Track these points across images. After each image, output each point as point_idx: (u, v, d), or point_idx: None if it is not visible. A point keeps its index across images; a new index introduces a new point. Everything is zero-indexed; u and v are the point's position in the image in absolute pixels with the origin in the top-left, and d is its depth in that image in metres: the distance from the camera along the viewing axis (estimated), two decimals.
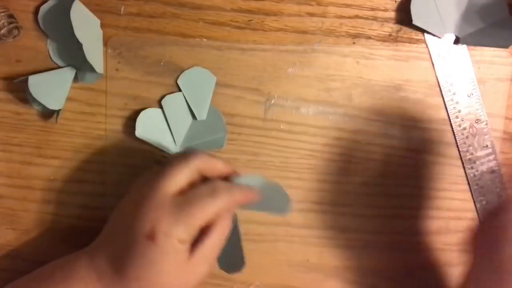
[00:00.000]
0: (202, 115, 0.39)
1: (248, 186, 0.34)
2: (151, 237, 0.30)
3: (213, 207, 0.31)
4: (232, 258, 0.37)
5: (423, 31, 0.38)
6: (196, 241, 0.32)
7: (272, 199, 0.35)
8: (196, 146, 0.39)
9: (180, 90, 0.39)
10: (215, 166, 0.33)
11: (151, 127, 0.39)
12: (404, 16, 0.38)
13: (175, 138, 0.39)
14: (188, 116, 0.39)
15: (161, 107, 0.39)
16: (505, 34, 0.36)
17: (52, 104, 0.38)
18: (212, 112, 0.39)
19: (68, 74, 0.39)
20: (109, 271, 0.32)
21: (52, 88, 0.38)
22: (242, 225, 0.38)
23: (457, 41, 0.38)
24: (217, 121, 0.39)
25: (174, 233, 0.30)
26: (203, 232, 0.32)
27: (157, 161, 0.35)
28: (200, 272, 0.32)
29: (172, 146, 0.39)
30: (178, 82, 0.39)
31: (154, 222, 0.30)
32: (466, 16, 0.38)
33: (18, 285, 0.35)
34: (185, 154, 0.33)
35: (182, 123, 0.39)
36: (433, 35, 0.38)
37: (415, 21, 0.37)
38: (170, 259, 0.31)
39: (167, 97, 0.39)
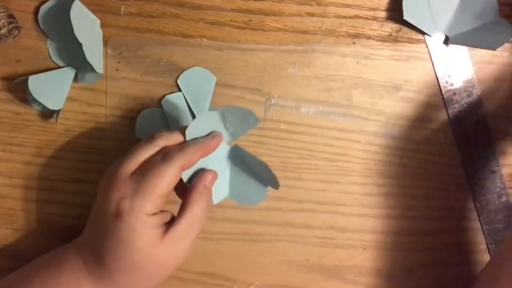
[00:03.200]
0: None
1: (204, 136, 0.34)
2: (118, 215, 0.31)
3: (168, 171, 0.31)
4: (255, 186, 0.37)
5: (423, 32, 0.38)
6: (173, 219, 0.33)
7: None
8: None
9: (180, 90, 0.39)
10: (175, 139, 0.34)
11: (151, 127, 0.39)
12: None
13: None
14: (188, 116, 0.39)
15: (161, 107, 0.39)
16: (495, 36, 0.36)
17: (52, 104, 0.38)
18: None
19: (68, 74, 0.39)
20: (92, 258, 0.32)
21: (52, 88, 0.38)
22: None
23: (446, 40, 0.38)
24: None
25: (137, 206, 0.30)
26: (180, 210, 0.33)
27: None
28: (178, 250, 0.32)
29: None
30: (178, 82, 0.39)
31: (117, 201, 0.31)
32: (457, 16, 0.38)
33: (12, 279, 0.35)
34: (149, 136, 0.33)
35: (182, 123, 0.39)
36: (424, 33, 0.38)
37: (406, 17, 0.37)
38: (139, 234, 0.31)
39: (167, 97, 0.39)
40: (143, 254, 0.31)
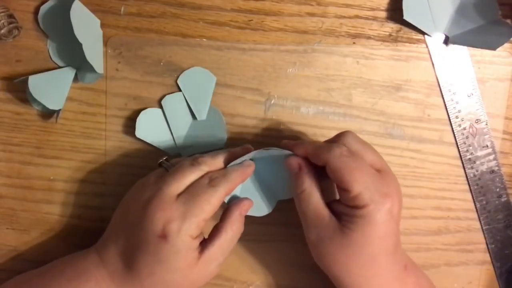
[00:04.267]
0: (202, 115, 0.39)
1: (242, 164, 0.35)
2: (163, 236, 0.31)
3: (215, 197, 0.33)
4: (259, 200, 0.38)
5: (423, 32, 0.38)
6: (206, 241, 0.34)
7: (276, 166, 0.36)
8: (196, 146, 0.39)
9: (180, 90, 0.39)
10: (217, 164, 0.35)
11: (151, 127, 0.39)
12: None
13: (175, 138, 0.39)
14: (188, 116, 0.39)
15: (161, 107, 0.39)
16: (495, 36, 0.36)
17: (52, 104, 0.38)
18: (212, 112, 0.39)
19: (68, 74, 0.39)
20: (120, 269, 0.33)
21: (52, 88, 0.38)
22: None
23: (446, 40, 0.38)
24: (217, 121, 0.39)
25: (184, 230, 0.31)
26: (213, 233, 0.34)
27: (161, 164, 0.35)
28: (209, 271, 0.34)
29: (172, 146, 0.39)
30: (178, 82, 0.39)
31: (164, 222, 0.31)
32: (458, 16, 0.38)
33: (27, 281, 0.35)
34: (193, 160, 0.34)
35: (182, 123, 0.39)
36: (424, 33, 0.38)
37: (406, 17, 0.37)
38: (182, 256, 0.32)
39: (167, 97, 0.39)
40: (179, 274, 0.32)
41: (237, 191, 0.37)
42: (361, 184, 0.30)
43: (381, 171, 0.32)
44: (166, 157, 0.36)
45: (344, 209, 0.32)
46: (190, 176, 0.33)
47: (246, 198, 0.36)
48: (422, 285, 0.34)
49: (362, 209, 0.30)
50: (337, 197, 0.34)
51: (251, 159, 0.36)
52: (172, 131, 0.39)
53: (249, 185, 0.37)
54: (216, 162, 0.35)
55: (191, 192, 0.33)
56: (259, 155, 0.35)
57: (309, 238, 0.33)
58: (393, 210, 0.31)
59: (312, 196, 0.33)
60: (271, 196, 0.38)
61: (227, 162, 0.35)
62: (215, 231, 0.34)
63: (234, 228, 0.34)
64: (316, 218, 0.32)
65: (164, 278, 0.32)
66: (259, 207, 0.38)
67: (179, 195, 0.33)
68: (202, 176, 0.34)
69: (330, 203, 0.33)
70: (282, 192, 0.38)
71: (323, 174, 0.33)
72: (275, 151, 0.35)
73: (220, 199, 0.33)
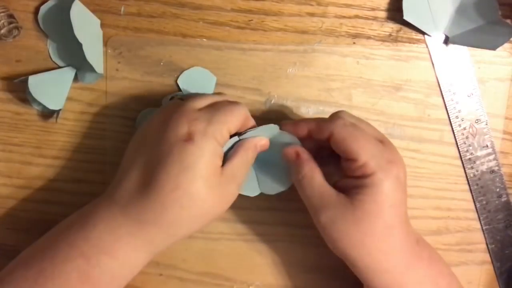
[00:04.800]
0: None
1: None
2: (189, 138, 0.30)
3: (239, 110, 0.32)
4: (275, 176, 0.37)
5: (423, 32, 0.38)
6: (226, 160, 0.33)
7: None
8: None
9: (180, 90, 0.39)
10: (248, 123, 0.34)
11: None
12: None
13: None
14: None
15: (161, 106, 0.39)
16: (495, 36, 0.36)
17: (52, 104, 0.38)
18: None
19: (68, 74, 0.39)
20: (136, 198, 0.31)
21: (52, 88, 0.38)
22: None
23: (446, 40, 0.38)
24: None
25: (211, 132, 0.30)
26: (231, 154, 0.33)
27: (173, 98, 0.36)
28: (230, 191, 0.32)
29: None
30: (178, 82, 0.39)
31: (189, 125, 0.30)
32: (458, 16, 0.38)
33: (36, 248, 0.33)
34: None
35: None
36: (424, 33, 0.38)
37: (406, 17, 0.37)
38: (208, 160, 0.30)
39: (167, 96, 0.39)
40: (206, 183, 0.30)
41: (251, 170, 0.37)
42: (367, 152, 0.30)
43: (382, 141, 0.32)
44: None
45: (351, 182, 0.31)
46: (211, 98, 0.34)
47: (263, 138, 0.35)
48: (434, 258, 0.34)
49: (370, 177, 0.30)
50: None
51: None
52: None
53: (262, 161, 0.36)
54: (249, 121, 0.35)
55: (214, 105, 0.33)
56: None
57: (320, 221, 0.32)
58: (400, 177, 0.31)
59: (314, 178, 0.32)
60: (285, 174, 0.37)
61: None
62: (233, 153, 0.33)
63: (249, 152, 0.33)
64: (323, 199, 0.32)
65: (189, 191, 0.30)
66: (273, 185, 0.37)
67: (203, 108, 0.32)
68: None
69: (334, 184, 0.33)
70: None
71: (321, 160, 0.33)
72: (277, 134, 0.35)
73: (242, 115, 0.33)
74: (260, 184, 0.37)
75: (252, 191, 0.37)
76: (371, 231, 0.30)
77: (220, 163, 0.32)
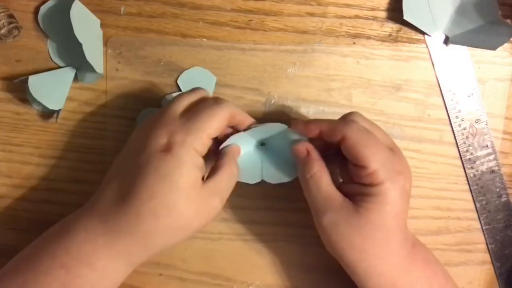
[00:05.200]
0: None
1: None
2: (168, 149, 0.30)
3: (221, 113, 0.32)
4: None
5: (423, 32, 0.38)
6: (210, 173, 0.33)
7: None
8: None
9: (180, 90, 0.39)
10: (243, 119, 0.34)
11: None
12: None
13: None
14: None
15: (161, 107, 0.39)
16: (495, 36, 0.36)
17: (52, 104, 0.38)
18: None
19: (68, 74, 0.39)
20: (114, 207, 0.30)
21: (52, 88, 0.38)
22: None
23: (446, 40, 0.38)
24: None
25: (189, 142, 0.30)
26: (214, 168, 0.33)
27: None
28: (212, 204, 0.32)
29: None
30: (178, 82, 0.39)
31: (169, 136, 0.30)
32: (458, 16, 0.38)
33: (21, 259, 0.34)
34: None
35: None
36: (424, 33, 0.38)
37: (406, 17, 0.37)
38: (186, 171, 0.30)
39: (167, 97, 0.39)
40: (183, 195, 0.30)
41: (256, 158, 0.37)
42: (377, 161, 0.30)
43: (392, 149, 0.32)
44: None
45: (358, 189, 0.31)
46: (193, 97, 0.33)
47: (235, 145, 0.35)
48: (429, 260, 0.34)
49: (378, 186, 0.30)
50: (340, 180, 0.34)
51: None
52: None
53: (269, 152, 0.37)
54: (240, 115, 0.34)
55: (195, 109, 0.32)
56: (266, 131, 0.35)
57: (321, 223, 0.32)
58: (406, 187, 0.31)
59: (322, 179, 0.32)
60: (291, 166, 0.36)
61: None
62: (216, 167, 0.33)
63: (233, 166, 0.33)
64: (328, 201, 0.32)
65: (165, 201, 0.29)
66: (277, 175, 0.37)
67: (183, 113, 0.32)
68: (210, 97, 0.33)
69: (339, 186, 0.33)
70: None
71: (326, 159, 0.33)
72: (281, 130, 0.35)
73: (225, 118, 0.32)
74: (264, 171, 0.37)
75: (253, 178, 0.37)
76: (372, 237, 0.31)
77: (201, 174, 0.31)
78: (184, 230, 0.31)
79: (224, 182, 0.32)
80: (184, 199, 0.30)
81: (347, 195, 0.32)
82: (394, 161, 0.31)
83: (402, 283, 0.32)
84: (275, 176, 0.37)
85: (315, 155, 0.33)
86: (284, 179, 0.37)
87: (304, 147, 0.34)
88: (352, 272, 0.33)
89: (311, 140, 0.35)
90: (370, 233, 0.31)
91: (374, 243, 0.31)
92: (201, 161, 0.31)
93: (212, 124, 0.31)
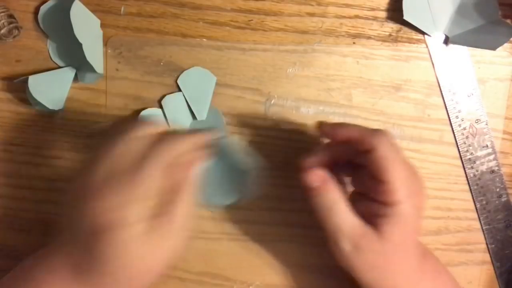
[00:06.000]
0: (202, 115, 0.39)
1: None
2: (110, 227, 0.28)
3: (157, 172, 0.30)
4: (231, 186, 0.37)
5: (423, 32, 0.38)
6: (162, 211, 0.30)
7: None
8: None
9: (180, 90, 0.39)
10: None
11: None
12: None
13: None
14: (188, 116, 0.39)
15: (161, 107, 0.39)
16: (495, 36, 0.36)
17: (52, 104, 0.38)
18: (212, 112, 0.39)
19: (68, 74, 0.39)
20: (86, 259, 0.30)
21: (52, 88, 0.38)
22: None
23: (446, 40, 0.38)
24: (217, 121, 0.39)
25: (130, 216, 0.29)
26: (169, 197, 0.31)
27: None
28: (176, 237, 0.31)
29: None
30: (178, 82, 0.39)
31: (107, 213, 0.29)
32: (458, 16, 0.38)
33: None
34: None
35: (182, 123, 0.39)
36: (424, 33, 0.38)
37: (406, 17, 0.37)
38: (137, 240, 0.29)
39: (167, 97, 0.39)
40: (142, 255, 0.30)
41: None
42: (400, 178, 0.30)
43: (412, 166, 0.32)
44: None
45: (375, 209, 0.31)
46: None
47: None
48: (439, 270, 0.34)
49: (397, 206, 0.30)
50: None
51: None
52: None
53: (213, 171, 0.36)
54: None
55: (123, 171, 0.29)
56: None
57: (343, 250, 0.31)
58: (422, 207, 0.32)
59: (341, 208, 0.31)
60: (233, 188, 0.36)
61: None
62: (168, 203, 0.31)
63: (187, 200, 0.31)
64: (351, 229, 0.31)
65: (127, 268, 0.29)
66: (221, 196, 0.37)
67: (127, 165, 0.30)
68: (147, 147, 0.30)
69: (353, 205, 0.32)
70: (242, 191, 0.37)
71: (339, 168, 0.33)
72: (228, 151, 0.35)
73: (161, 168, 0.30)
74: (207, 195, 0.37)
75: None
76: (393, 257, 0.31)
77: (150, 228, 0.29)
78: (147, 275, 0.31)
79: (179, 217, 0.31)
80: (145, 258, 0.30)
81: (364, 215, 0.31)
82: (414, 181, 0.31)
83: None
84: (219, 199, 0.36)
85: (330, 183, 0.32)
86: (228, 201, 0.36)
87: (319, 176, 0.32)
88: (362, 284, 0.33)
89: (320, 150, 0.34)
90: (391, 254, 0.31)
91: (394, 261, 0.31)
92: (146, 223, 0.29)
93: (153, 186, 0.30)
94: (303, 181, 0.33)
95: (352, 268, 0.32)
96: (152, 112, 0.39)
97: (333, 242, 0.32)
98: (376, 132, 0.31)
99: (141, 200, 0.29)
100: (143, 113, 0.39)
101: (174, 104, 0.39)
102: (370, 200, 0.31)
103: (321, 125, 0.34)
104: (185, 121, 0.39)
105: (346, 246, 0.31)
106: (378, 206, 0.31)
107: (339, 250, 0.31)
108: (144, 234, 0.29)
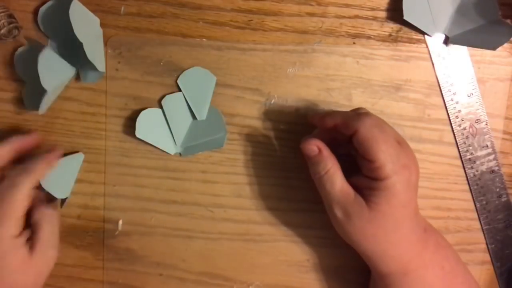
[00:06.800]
0: (202, 115, 0.39)
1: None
2: None
3: (20, 194, 0.34)
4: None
5: (423, 32, 0.38)
6: (32, 237, 0.35)
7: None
8: (196, 146, 0.39)
9: (180, 90, 0.39)
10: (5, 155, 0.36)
11: (151, 128, 0.39)
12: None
13: (175, 138, 0.39)
14: (188, 116, 0.39)
15: (161, 107, 0.39)
16: (495, 36, 0.36)
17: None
18: (212, 112, 0.39)
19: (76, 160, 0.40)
20: None
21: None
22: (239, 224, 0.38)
23: (446, 40, 0.38)
24: (217, 121, 0.39)
25: (4, 232, 0.33)
26: (34, 228, 0.35)
27: None
28: (47, 258, 0.36)
29: (172, 146, 0.39)
30: (178, 82, 0.39)
31: None
32: (457, 16, 0.38)
33: None
34: None
35: (182, 123, 0.39)
36: (424, 33, 0.38)
37: (406, 17, 0.37)
38: (11, 258, 0.33)
39: (167, 97, 0.39)
40: (18, 273, 0.34)
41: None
42: (386, 156, 0.32)
43: (400, 143, 0.33)
44: None
45: (366, 183, 0.33)
46: None
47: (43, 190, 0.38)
48: (441, 244, 0.36)
49: (384, 180, 0.32)
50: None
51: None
52: (172, 131, 0.39)
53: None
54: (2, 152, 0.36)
55: None
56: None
57: (336, 216, 0.34)
58: (412, 179, 0.33)
59: (336, 175, 0.34)
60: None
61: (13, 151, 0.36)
62: (34, 224, 0.35)
63: (50, 217, 0.36)
64: (342, 196, 0.33)
65: (5, 284, 0.33)
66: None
67: None
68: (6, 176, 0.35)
69: (348, 180, 0.34)
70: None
71: (338, 152, 0.35)
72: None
73: (27, 192, 0.34)
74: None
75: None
76: (383, 227, 0.33)
77: (26, 250, 0.34)
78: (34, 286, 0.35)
79: (48, 237, 0.36)
80: (20, 276, 0.34)
81: (356, 188, 0.34)
82: (401, 155, 0.32)
83: (414, 265, 0.34)
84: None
85: (326, 152, 0.34)
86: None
87: (315, 144, 0.35)
88: (366, 257, 0.35)
89: (322, 134, 0.36)
90: (380, 223, 0.33)
91: (385, 231, 0.33)
92: (20, 240, 0.34)
93: (18, 208, 0.34)
94: (303, 151, 0.35)
95: (346, 235, 0.34)
96: (152, 112, 0.39)
97: (328, 208, 0.35)
98: (357, 115, 0.33)
99: (10, 221, 0.34)
100: (143, 113, 0.39)
101: (174, 104, 0.39)
102: (363, 176, 0.33)
103: (311, 117, 0.37)
104: (185, 121, 0.39)
105: (338, 212, 0.34)
106: (369, 181, 0.33)
107: (333, 216, 0.34)
108: (22, 250, 0.34)
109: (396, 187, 0.32)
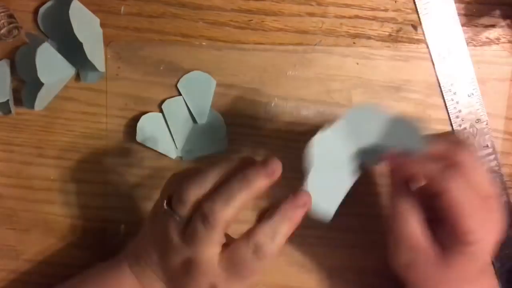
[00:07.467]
0: (202, 118, 0.39)
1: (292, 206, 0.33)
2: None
3: (260, 268, 0.31)
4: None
5: (422, 31, 0.38)
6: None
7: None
8: (197, 149, 0.39)
9: (180, 95, 0.39)
10: (229, 206, 0.32)
11: (151, 132, 0.39)
12: (404, 16, 0.38)
13: (176, 142, 0.39)
14: (189, 120, 0.39)
15: (161, 111, 0.39)
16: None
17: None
18: (212, 116, 0.39)
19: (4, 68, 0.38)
20: None
21: None
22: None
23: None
24: (218, 125, 0.39)
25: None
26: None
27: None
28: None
29: (173, 150, 0.39)
30: (178, 86, 0.39)
31: (210, 286, 0.30)
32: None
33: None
34: (204, 221, 0.31)
35: (183, 127, 0.39)
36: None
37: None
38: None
39: (167, 101, 0.39)
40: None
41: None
42: (475, 223, 0.28)
43: (489, 198, 0.30)
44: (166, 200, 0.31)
45: (448, 238, 0.30)
46: (212, 239, 0.31)
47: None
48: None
49: (470, 245, 0.29)
50: None
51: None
52: (173, 135, 0.39)
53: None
54: (225, 204, 0.31)
55: (233, 261, 0.31)
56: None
57: (398, 261, 0.31)
58: (496, 241, 0.30)
59: (410, 220, 0.30)
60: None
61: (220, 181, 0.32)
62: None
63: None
64: (411, 243, 0.30)
65: None
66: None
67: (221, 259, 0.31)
68: (246, 240, 0.31)
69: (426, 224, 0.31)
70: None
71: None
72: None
73: (266, 266, 0.31)
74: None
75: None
76: (450, 282, 0.30)
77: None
78: None
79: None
80: None
81: (437, 236, 0.30)
82: (489, 218, 0.30)
83: None
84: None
85: (412, 194, 0.31)
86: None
87: (407, 177, 0.31)
88: None
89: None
90: (450, 279, 0.30)
91: (451, 285, 0.30)
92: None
93: (253, 277, 0.32)
94: (393, 174, 0.31)
95: (405, 279, 0.31)
96: (152, 116, 0.39)
97: (392, 249, 0.31)
98: (448, 172, 0.29)
99: (242, 285, 0.31)
100: (143, 117, 0.39)
101: (174, 108, 0.39)
102: (443, 227, 0.30)
103: (383, 156, 0.32)
104: (186, 125, 0.39)
105: (401, 258, 0.30)
106: (451, 238, 0.29)
107: (395, 259, 0.31)
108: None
109: (481, 253, 0.29)
